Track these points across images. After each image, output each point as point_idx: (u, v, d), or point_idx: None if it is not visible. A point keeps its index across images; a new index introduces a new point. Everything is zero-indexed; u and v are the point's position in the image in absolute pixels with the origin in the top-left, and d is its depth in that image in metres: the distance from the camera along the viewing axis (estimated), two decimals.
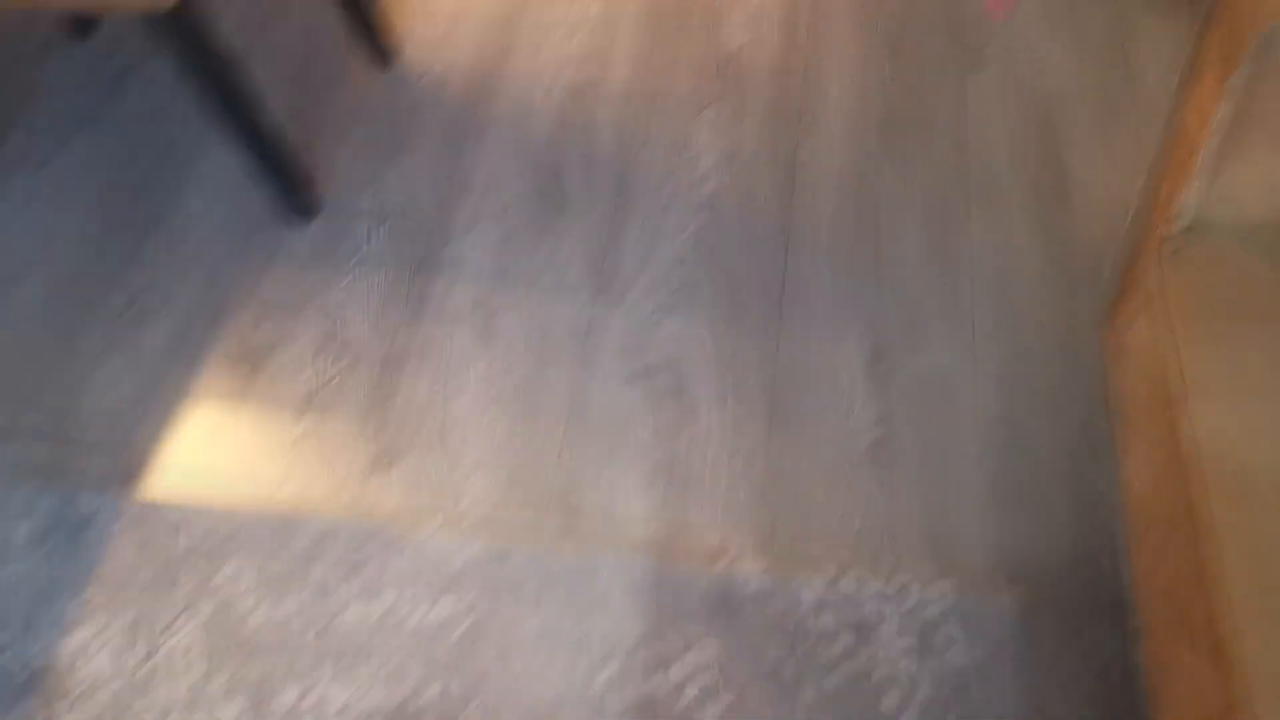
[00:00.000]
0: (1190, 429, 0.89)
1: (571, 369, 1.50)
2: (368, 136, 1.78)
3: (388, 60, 1.88)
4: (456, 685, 1.22)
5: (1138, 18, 1.89)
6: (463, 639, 1.26)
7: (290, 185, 1.62)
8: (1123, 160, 1.69)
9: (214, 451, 1.42)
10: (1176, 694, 0.94)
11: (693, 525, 1.35)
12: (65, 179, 1.70)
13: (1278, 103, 0.90)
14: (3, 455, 1.40)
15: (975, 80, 1.81)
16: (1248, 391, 0.90)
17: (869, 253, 1.60)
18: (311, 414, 1.45)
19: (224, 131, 1.59)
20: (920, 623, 1.25)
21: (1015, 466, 1.39)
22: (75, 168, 1.71)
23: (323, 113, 1.82)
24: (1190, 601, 0.89)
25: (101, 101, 1.80)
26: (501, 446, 1.42)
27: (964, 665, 1.22)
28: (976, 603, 1.26)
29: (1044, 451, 1.39)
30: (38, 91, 1.81)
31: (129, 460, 1.40)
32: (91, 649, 1.25)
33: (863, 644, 1.22)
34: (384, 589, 1.29)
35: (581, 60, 1.88)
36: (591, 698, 1.21)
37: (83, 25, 1.88)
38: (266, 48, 1.93)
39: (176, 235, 1.64)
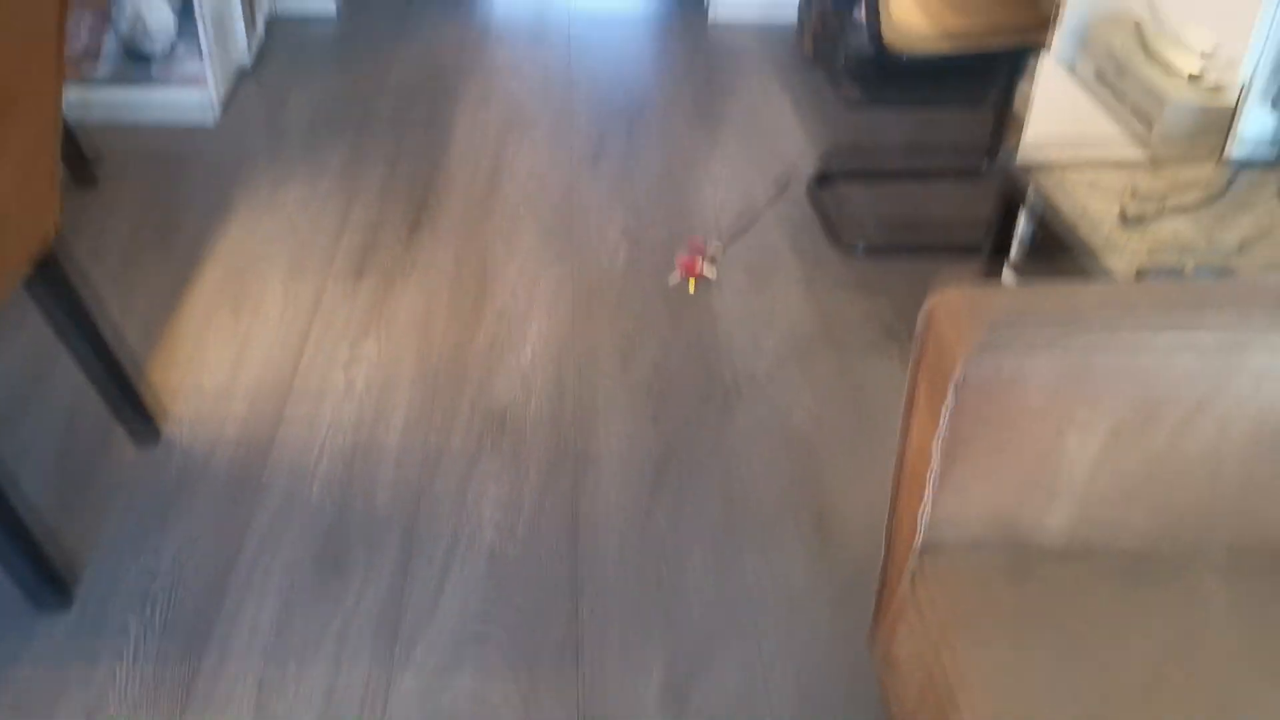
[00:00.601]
0: None
1: None
2: (131, 513, 1.73)
3: (153, 435, 1.86)
4: None
5: (861, 362, 2.13)
6: None
7: (41, 572, 1.54)
8: (873, 485, 1.84)
9: None
10: None
11: None
12: None
13: (982, 429, 1.04)
14: None
15: (733, 421, 1.96)
16: (1005, 692, 0.97)
17: (656, 588, 1.64)
18: None
19: None
20: None
21: None
22: None
23: (83, 491, 1.76)
24: None
25: None
26: None
27: None
28: None
29: None
30: None
31: None
32: None
33: None
34: None
35: (357, 423, 1.93)
36: None
37: None
38: (25, 424, 1.88)
39: None
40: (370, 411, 1.96)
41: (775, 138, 2.95)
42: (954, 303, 1.03)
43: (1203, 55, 1.57)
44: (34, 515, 1.71)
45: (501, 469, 1.85)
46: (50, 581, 1.55)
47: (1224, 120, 1.53)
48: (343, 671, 1.50)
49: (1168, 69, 1.65)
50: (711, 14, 3.73)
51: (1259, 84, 1.44)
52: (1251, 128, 1.48)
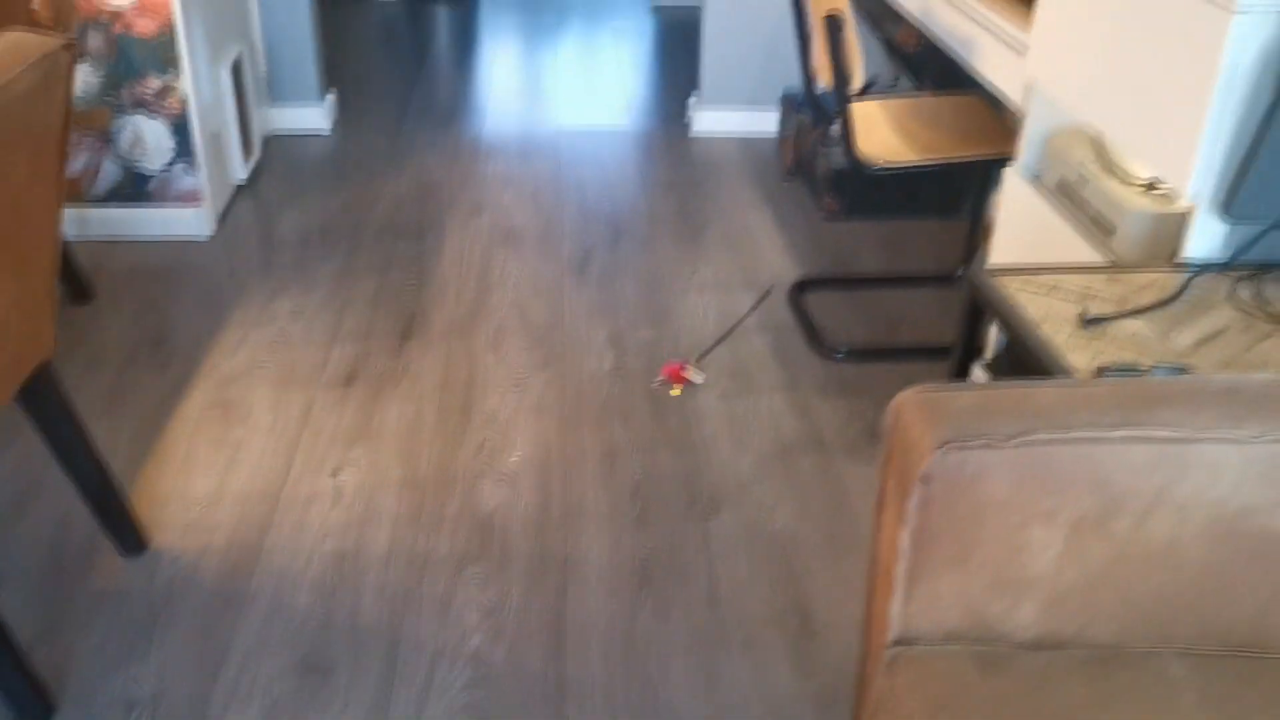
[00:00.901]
0: None
1: None
2: (117, 623, 1.74)
3: (139, 545, 1.88)
4: None
5: (843, 465, 2.16)
6: None
7: (27, 684, 1.54)
8: (856, 587, 1.86)
9: None
10: None
11: None
12: None
13: (948, 523, 1.07)
14: None
15: (717, 524, 1.98)
16: None
17: (642, 692, 1.64)
18: None
19: None
20: None
21: None
22: None
23: (71, 601, 1.77)
24: None
25: None
26: None
27: None
28: None
29: None
30: None
31: None
32: None
33: None
34: None
35: (343, 529, 1.94)
36: None
37: None
38: (14, 534, 1.90)
39: None
40: (358, 518, 1.98)
41: (757, 247, 3.03)
42: (918, 401, 1.08)
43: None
44: (20, 625, 1.72)
45: (488, 573, 1.86)
46: (35, 693, 1.55)
47: (1179, 226, 1.60)
48: None
49: (1125, 178, 1.73)
50: (694, 127, 3.86)
51: (1205, 196, 1.51)
52: (1202, 235, 1.55)
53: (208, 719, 1.58)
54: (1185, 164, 1.51)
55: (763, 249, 3.02)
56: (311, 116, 3.72)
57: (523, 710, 1.61)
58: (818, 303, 2.75)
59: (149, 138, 2.86)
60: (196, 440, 2.17)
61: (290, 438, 2.18)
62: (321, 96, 3.73)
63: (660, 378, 2.41)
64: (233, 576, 1.83)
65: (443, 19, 5.32)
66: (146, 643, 1.70)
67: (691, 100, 3.91)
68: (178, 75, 2.79)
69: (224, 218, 3.10)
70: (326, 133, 3.74)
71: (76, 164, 2.88)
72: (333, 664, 1.68)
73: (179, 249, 2.92)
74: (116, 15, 2.72)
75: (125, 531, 1.86)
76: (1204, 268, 1.55)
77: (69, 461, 1.74)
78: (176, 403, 2.28)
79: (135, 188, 2.92)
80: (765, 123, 3.84)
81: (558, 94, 4.24)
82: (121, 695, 1.61)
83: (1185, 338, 1.39)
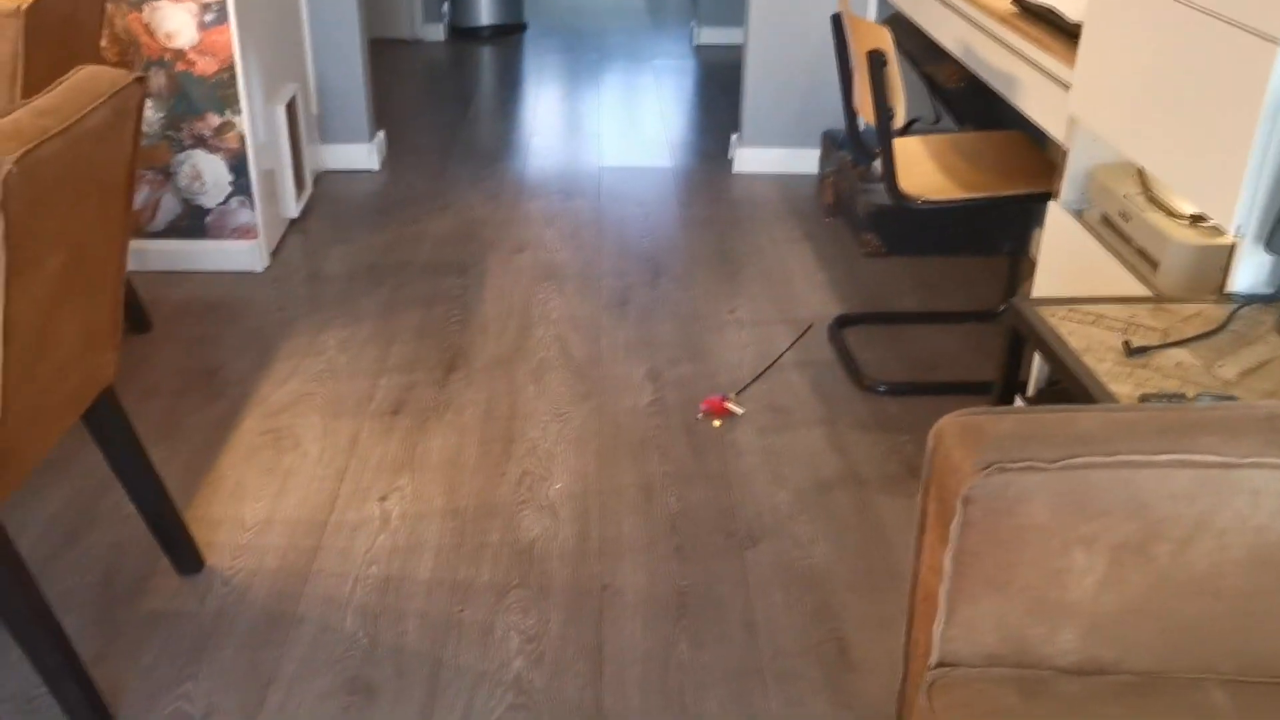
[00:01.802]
0: None
1: None
2: (172, 640, 1.77)
3: (196, 564, 1.92)
4: None
5: (881, 500, 2.17)
6: None
7: (88, 699, 1.57)
8: (894, 620, 1.86)
9: None
10: None
11: None
12: None
13: (990, 546, 1.08)
14: None
15: (753, 558, 1.99)
16: None
17: None
18: None
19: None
20: None
21: None
22: None
23: (128, 618, 1.81)
24: None
25: None
26: None
27: None
28: None
29: None
30: None
31: None
32: None
33: None
34: None
35: (388, 556, 1.98)
36: None
37: None
38: (74, 552, 1.95)
39: None
40: (403, 544, 2.01)
41: (796, 284, 3.05)
42: (961, 424, 1.09)
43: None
44: (78, 644, 1.76)
45: (529, 601, 1.88)
46: (94, 709, 1.58)
47: (1223, 258, 1.61)
48: None
49: (1169, 211, 1.74)
50: (735, 166, 3.90)
51: (1250, 230, 1.51)
52: (1247, 268, 1.56)
53: None
54: (1230, 198, 1.51)
55: (802, 286, 3.04)
56: (361, 154, 3.81)
57: None
58: (857, 339, 2.76)
59: (207, 173, 2.94)
60: (248, 467, 2.21)
61: (338, 466, 2.22)
62: (371, 135, 3.82)
63: (702, 410, 2.43)
64: (281, 599, 1.87)
65: (487, 58, 5.43)
66: (198, 662, 1.74)
67: (733, 139, 3.96)
68: (236, 113, 2.88)
69: (276, 252, 3.17)
70: (375, 170, 3.82)
71: (138, 198, 2.97)
72: (378, 687, 1.70)
73: (233, 282, 2.99)
74: (179, 54, 2.81)
75: (182, 550, 1.90)
76: (1249, 299, 1.55)
77: (129, 480, 1.79)
78: (228, 431, 2.33)
79: (193, 221, 3.00)
80: (806, 161, 3.88)
81: (600, 132, 4.31)
82: (174, 713, 1.64)
83: (1230, 369, 1.39)
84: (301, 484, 2.17)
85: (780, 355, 2.68)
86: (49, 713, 1.62)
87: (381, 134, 3.97)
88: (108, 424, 1.72)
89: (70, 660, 1.54)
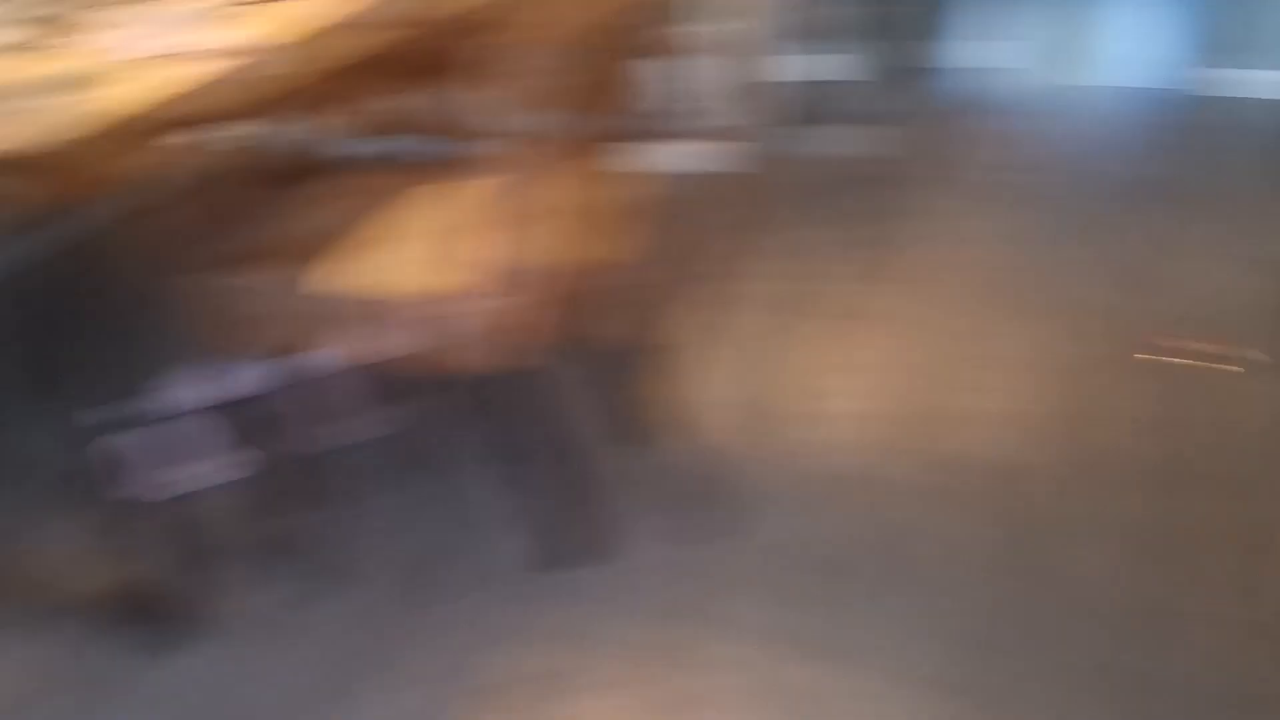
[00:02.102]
0: None
1: None
2: (649, 503, 1.88)
3: (648, 437, 2.03)
4: None
5: None
6: None
7: (588, 534, 1.73)
8: None
9: None
10: None
11: None
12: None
13: None
14: None
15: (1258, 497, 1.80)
16: None
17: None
18: None
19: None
20: None
21: None
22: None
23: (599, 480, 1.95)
24: None
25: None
26: None
27: None
28: None
29: None
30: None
31: None
32: None
33: None
34: None
35: (839, 452, 1.98)
36: None
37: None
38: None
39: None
40: (852, 444, 2.01)
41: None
42: None
43: None
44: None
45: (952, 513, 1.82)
46: (591, 542, 1.74)
47: None
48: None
49: None
50: (1212, 89, 3.51)
51: None
52: None
53: (718, 591, 1.67)
54: None
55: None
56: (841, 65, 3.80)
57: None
58: None
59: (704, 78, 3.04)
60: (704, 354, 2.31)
61: (786, 363, 2.26)
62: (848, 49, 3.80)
63: (1194, 349, 2.23)
64: (749, 469, 1.93)
65: None
66: (674, 520, 1.83)
67: (1208, 58, 3.56)
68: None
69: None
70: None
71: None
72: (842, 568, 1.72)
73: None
74: None
75: (637, 419, 2.02)
76: None
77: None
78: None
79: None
80: None
81: (1079, 49, 4.05)
82: (658, 556, 1.76)
83: None
84: (755, 376, 2.22)
85: None
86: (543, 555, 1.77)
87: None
88: None
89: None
